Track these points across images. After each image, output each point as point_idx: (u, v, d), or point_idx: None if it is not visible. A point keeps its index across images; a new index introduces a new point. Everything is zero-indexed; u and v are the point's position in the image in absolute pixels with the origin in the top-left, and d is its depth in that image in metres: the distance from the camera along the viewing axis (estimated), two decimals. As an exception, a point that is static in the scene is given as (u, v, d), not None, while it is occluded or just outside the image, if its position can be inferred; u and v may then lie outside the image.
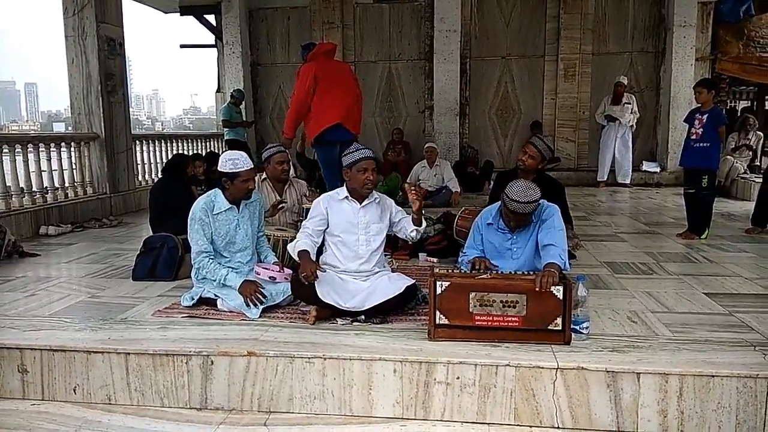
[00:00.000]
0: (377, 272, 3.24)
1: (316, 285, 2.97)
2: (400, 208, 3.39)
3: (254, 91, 11.06)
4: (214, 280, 3.26)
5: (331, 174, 5.23)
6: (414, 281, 3.16)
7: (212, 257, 3.30)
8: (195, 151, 9.58)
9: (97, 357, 2.75)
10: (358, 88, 5.50)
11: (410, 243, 4.16)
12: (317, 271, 2.93)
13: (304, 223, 3.24)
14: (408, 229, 3.28)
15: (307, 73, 5.07)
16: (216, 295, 3.28)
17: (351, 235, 3.20)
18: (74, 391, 2.78)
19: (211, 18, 11.01)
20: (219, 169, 3.30)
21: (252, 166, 3.34)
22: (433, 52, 9.93)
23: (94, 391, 2.76)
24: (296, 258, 3.05)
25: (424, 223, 3.36)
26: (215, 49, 11.35)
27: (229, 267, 3.32)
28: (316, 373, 2.63)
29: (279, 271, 3.35)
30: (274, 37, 11.03)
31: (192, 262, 3.35)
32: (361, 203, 3.21)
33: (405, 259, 4.49)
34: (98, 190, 6.99)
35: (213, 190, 3.41)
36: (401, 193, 7.60)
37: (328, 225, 3.20)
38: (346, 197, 3.22)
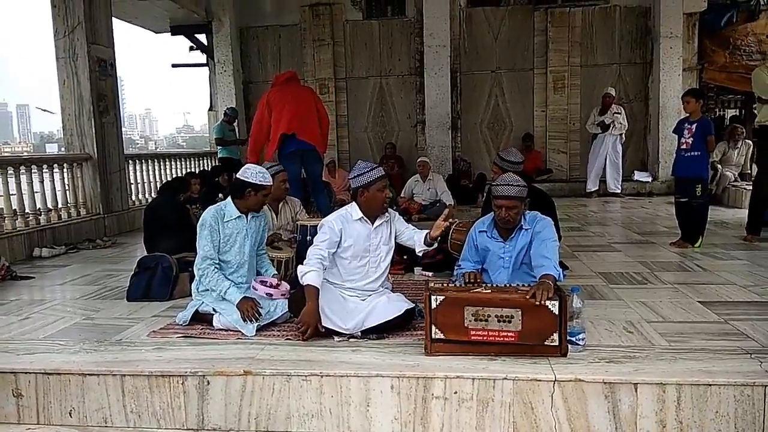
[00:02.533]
0: (380, 292, 3.23)
1: None
2: (404, 221, 3.35)
3: (246, 109, 11.10)
4: (215, 290, 3.26)
5: (294, 189, 5.32)
6: (414, 305, 3.15)
7: (217, 266, 3.30)
8: (189, 170, 9.57)
9: (93, 379, 2.73)
10: (322, 109, 5.78)
11: (404, 257, 4.19)
12: (317, 326, 2.92)
13: (316, 242, 3.10)
14: (415, 243, 3.22)
15: (261, 102, 5.58)
16: (214, 309, 3.26)
17: (362, 258, 3.15)
18: (70, 414, 2.75)
19: (202, 37, 11.08)
20: (245, 178, 3.31)
21: (272, 183, 3.47)
22: (423, 67, 10.02)
23: (89, 414, 2.74)
24: (302, 283, 2.98)
25: (434, 245, 3.26)
26: (207, 68, 11.40)
27: (230, 280, 3.31)
28: (314, 391, 2.62)
29: (276, 287, 3.34)
30: (265, 55, 11.10)
31: (196, 269, 3.33)
32: (373, 224, 3.15)
33: (400, 273, 4.48)
34: (92, 210, 6.96)
35: (224, 200, 3.44)
36: (395, 207, 7.64)
37: (338, 246, 3.12)
38: (361, 218, 3.12)
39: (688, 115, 5.21)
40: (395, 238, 3.28)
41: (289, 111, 5.43)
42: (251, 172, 3.33)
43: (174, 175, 8.94)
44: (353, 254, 3.13)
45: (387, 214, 3.20)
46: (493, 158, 10.44)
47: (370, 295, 3.19)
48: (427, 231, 3.20)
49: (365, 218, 3.13)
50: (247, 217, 3.40)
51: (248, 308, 3.15)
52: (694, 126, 5.07)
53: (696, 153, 5.06)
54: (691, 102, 5.10)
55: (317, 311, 2.93)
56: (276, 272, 3.60)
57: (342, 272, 3.18)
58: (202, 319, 3.31)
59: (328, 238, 3.07)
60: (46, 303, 4.00)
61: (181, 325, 3.30)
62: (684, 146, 5.13)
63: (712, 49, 10.20)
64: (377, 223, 3.16)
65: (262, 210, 3.57)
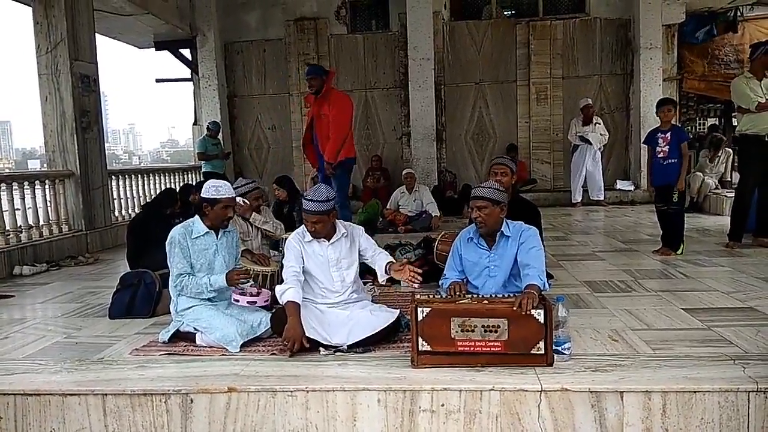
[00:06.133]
0: (355, 299, 3.26)
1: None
2: (371, 240, 3.36)
3: (231, 123, 11.09)
4: (201, 292, 3.24)
5: (342, 196, 5.55)
6: (397, 315, 3.15)
7: (192, 276, 3.28)
8: (169, 186, 9.48)
9: (74, 399, 2.68)
10: None
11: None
12: (302, 341, 2.91)
13: (285, 263, 3.19)
14: (377, 267, 3.24)
15: (352, 107, 5.79)
16: (195, 329, 3.23)
17: (324, 273, 3.20)
18: (50, 436, 2.69)
19: (186, 52, 11.05)
20: (202, 195, 3.34)
21: (233, 195, 3.39)
22: (408, 79, 10.08)
23: (70, 435, 2.68)
24: (282, 302, 3.02)
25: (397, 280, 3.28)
26: (191, 82, 11.37)
27: (206, 300, 3.29)
28: (299, 406, 2.59)
29: (257, 295, 3.32)
30: (250, 70, 11.11)
31: (172, 288, 3.31)
32: (329, 241, 3.20)
33: (387, 285, 4.46)
34: (74, 227, 6.88)
35: (191, 218, 3.41)
36: (381, 219, 7.64)
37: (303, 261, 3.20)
38: (312, 239, 3.20)
39: (659, 125, 5.30)
40: (362, 254, 3.30)
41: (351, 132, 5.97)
42: (205, 188, 3.35)
43: (158, 191, 8.85)
44: (314, 270, 3.19)
45: (342, 229, 3.24)
46: (478, 169, 10.57)
47: (347, 306, 3.19)
48: (389, 261, 3.21)
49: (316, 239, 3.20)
50: (217, 234, 3.39)
51: (236, 276, 3.22)
52: (668, 134, 5.17)
53: (673, 160, 5.14)
54: (672, 111, 5.22)
55: (300, 325, 2.92)
56: (253, 282, 3.57)
57: (313, 287, 3.22)
58: (184, 337, 3.27)
59: (294, 256, 3.16)
60: (27, 322, 3.93)
61: (164, 342, 3.26)
62: (661, 155, 5.21)
63: (691, 59, 10.41)
64: (334, 239, 3.21)
65: (233, 225, 3.56)
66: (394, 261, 3.25)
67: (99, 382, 2.75)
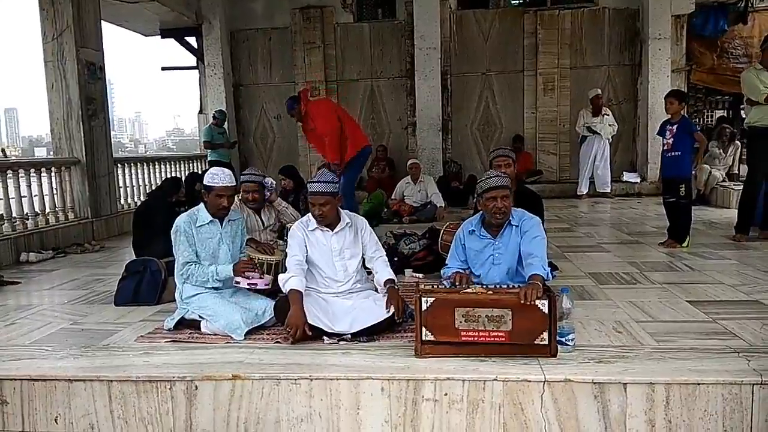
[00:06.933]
0: (359, 289, 3.27)
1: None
2: (374, 236, 3.36)
3: (237, 112, 11.09)
4: (207, 281, 3.25)
5: (351, 192, 5.75)
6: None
7: (198, 265, 3.29)
8: (174, 174, 9.49)
9: (79, 385, 2.70)
10: None
11: (395, 259, 4.19)
12: (305, 328, 2.91)
13: (289, 252, 3.21)
14: (375, 275, 3.25)
15: (329, 109, 6.06)
16: (201, 317, 3.25)
17: (327, 262, 3.21)
18: (56, 420, 2.72)
19: (192, 40, 11.02)
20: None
21: (230, 184, 3.34)
22: (414, 69, 10.02)
23: (76, 420, 2.71)
24: (285, 291, 3.04)
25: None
26: (197, 70, 11.35)
27: (211, 288, 3.30)
28: (303, 394, 2.61)
29: (259, 278, 3.32)
30: (255, 58, 11.08)
31: (177, 276, 3.32)
32: (333, 230, 3.22)
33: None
34: (80, 215, 6.91)
35: (196, 206, 3.42)
36: (386, 210, 7.63)
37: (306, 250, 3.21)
38: (317, 228, 3.22)
39: (669, 116, 5.27)
40: (364, 251, 3.31)
41: (355, 124, 6.19)
42: (206, 174, 3.35)
43: (163, 179, 8.85)
44: (317, 259, 3.20)
45: (347, 219, 3.26)
46: (483, 160, 10.53)
47: (350, 296, 3.21)
48: (389, 278, 3.18)
49: (321, 227, 3.21)
50: (221, 222, 3.39)
51: (243, 267, 3.23)
52: (675, 127, 5.14)
53: (676, 153, 5.11)
54: (674, 103, 5.16)
55: (303, 313, 2.94)
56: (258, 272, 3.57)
57: (316, 276, 3.23)
58: (189, 324, 3.29)
59: (297, 244, 3.17)
60: (33, 308, 3.96)
61: (169, 329, 3.28)
62: (666, 147, 5.21)
63: (700, 51, 10.29)
64: (337, 229, 3.23)
65: (238, 214, 3.56)
66: (395, 279, 3.22)
67: (104, 369, 2.77)
